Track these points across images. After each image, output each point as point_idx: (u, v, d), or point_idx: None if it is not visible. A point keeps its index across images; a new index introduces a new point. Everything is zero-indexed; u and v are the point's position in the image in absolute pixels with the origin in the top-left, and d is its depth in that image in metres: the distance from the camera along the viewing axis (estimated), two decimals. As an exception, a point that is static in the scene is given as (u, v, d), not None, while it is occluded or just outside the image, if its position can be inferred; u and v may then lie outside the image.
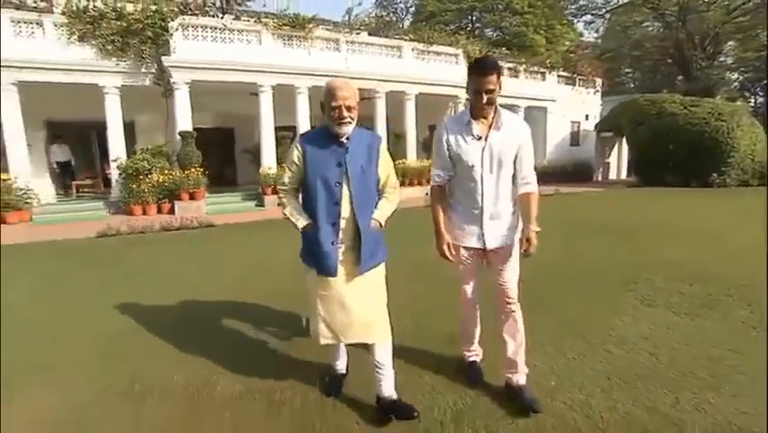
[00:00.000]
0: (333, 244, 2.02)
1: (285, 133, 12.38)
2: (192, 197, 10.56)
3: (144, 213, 10.26)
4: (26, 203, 9.85)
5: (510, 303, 2.25)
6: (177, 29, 10.63)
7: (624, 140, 17.62)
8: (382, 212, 2.15)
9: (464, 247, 2.26)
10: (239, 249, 6.48)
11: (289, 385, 2.41)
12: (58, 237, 7.39)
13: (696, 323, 3.20)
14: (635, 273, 4.42)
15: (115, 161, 10.82)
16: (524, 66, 16.70)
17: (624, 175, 18.65)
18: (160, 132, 11.77)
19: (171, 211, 10.35)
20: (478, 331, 2.48)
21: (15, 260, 5.85)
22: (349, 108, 1.96)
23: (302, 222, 2.09)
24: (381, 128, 13.25)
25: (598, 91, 19.25)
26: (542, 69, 17.38)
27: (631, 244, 5.87)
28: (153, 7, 10.76)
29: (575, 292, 3.96)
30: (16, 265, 5.55)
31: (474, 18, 32.37)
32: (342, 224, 2.04)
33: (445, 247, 2.25)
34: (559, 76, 18.06)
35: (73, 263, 5.63)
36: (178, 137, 10.89)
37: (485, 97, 2.03)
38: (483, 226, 2.19)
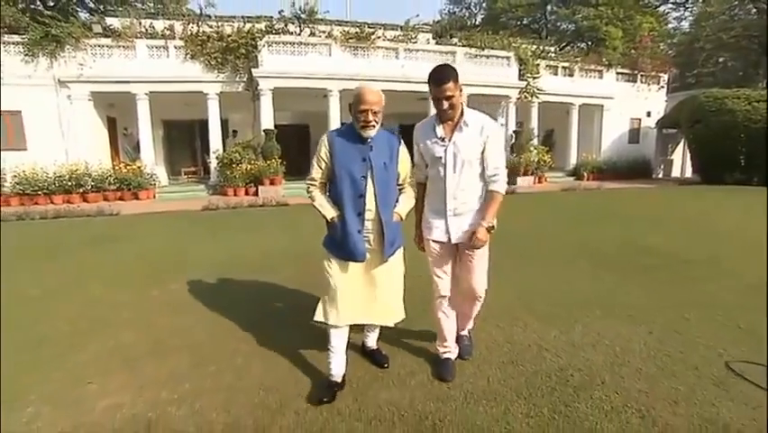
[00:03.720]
0: (359, 232, 2.17)
1: (349, 130, 14.33)
2: (272, 182, 12.85)
3: (235, 194, 12.70)
4: (151, 184, 12.84)
5: (476, 297, 2.44)
6: (264, 46, 13.00)
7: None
8: (403, 206, 2.33)
9: (433, 241, 2.38)
10: (303, 220, 8.42)
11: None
12: (175, 209, 9.99)
13: (607, 277, 4.31)
14: (605, 249, 5.47)
15: (215, 152, 13.50)
16: (578, 65, 16.93)
17: (688, 173, 18.03)
18: (249, 129, 14.27)
19: (256, 193, 12.66)
20: (453, 327, 2.56)
21: (152, 222, 8.43)
22: (375, 113, 2.12)
23: (331, 213, 2.22)
24: (435, 126, 14.59)
25: (662, 87, 18.66)
26: (599, 68, 17.39)
27: (623, 230, 6.80)
28: (246, 27, 13.25)
29: (543, 253, 5.24)
30: (155, 224, 8.09)
31: (548, 11, 31.90)
32: (367, 215, 2.19)
33: (417, 239, 2.51)
34: (618, 73, 17.89)
35: (189, 225, 7.99)
36: (263, 134, 13.24)
37: (445, 103, 2.14)
38: (447, 222, 2.29)
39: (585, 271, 4.59)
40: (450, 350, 2.54)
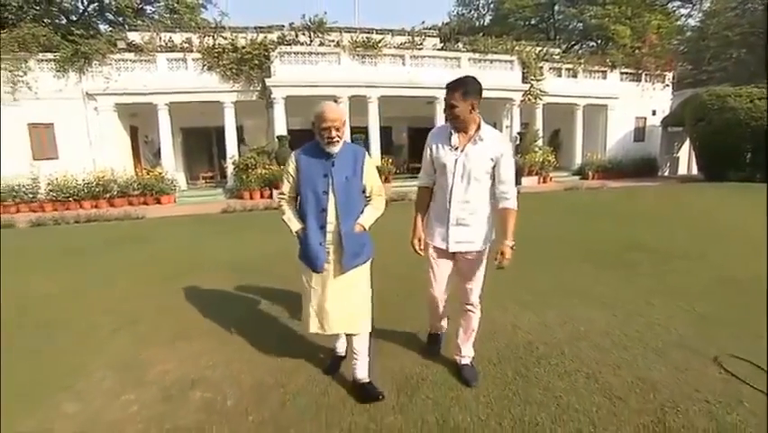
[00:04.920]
0: (320, 244, 2.29)
1: (358, 135, 14.96)
2: (285, 186, 13.47)
3: (251, 197, 13.32)
4: (172, 189, 13.59)
5: (469, 306, 2.49)
6: (276, 56, 13.66)
7: (692, 135, 17.24)
8: (366, 217, 2.39)
9: (433, 246, 2.48)
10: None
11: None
12: (196, 212, 10.67)
13: (592, 271, 4.73)
14: (596, 246, 5.83)
15: (231, 158, 14.19)
16: (582, 66, 17.18)
17: (695, 170, 18.10)
18: (263, 135, 14.93)
19: (270, 196, 13.21)
20: (441, 310, 2.76)
21: (176, 224, 9.10)
22: (337, 129, 2.22)
23: (296, 226, 2.37)
24: (441, 128, 15.07)
25: (667, 85, 18.80)
26: (602, 68, 17.59)
27: (618, 228, 7.18)
28: (259, 38, 13.93)
29: (537, 250, 5.54)
30: (179, 226, 8.74)
31: (555, 11, 31.94)
32: (329, 228, 2.29)
33: (416, 242, 2.50)
34: (622, 73, 18.05)
35: (211, 226, 8.62)
36: (276, 140, 13.88)
37: (449, 112, 2.25)
38: (449, 230, 2.36)
39: (573, 265, 4.97)
40: (437, 327, 2.90)
